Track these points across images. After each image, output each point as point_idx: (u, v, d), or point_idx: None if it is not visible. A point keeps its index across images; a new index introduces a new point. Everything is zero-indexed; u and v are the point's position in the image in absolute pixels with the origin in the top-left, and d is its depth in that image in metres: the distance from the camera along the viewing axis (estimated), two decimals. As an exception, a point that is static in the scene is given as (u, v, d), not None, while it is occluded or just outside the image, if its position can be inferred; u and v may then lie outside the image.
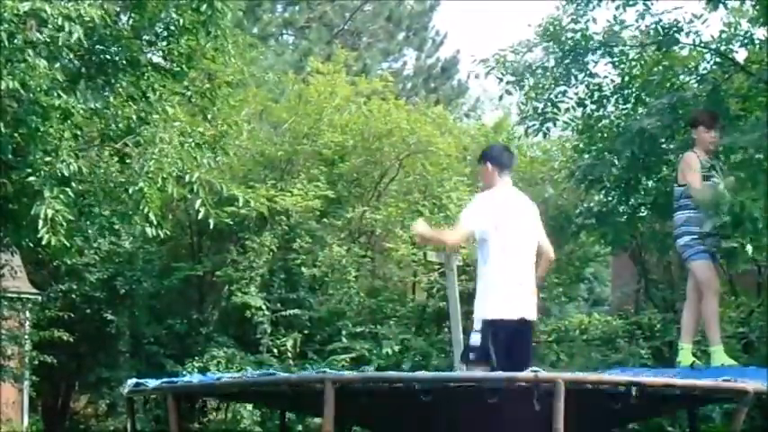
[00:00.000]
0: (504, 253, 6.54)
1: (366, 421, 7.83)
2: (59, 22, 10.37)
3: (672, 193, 8.15)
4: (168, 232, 12.64)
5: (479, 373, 6.01)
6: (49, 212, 10.21)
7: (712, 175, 7.83)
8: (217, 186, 12.70)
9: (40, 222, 10.21)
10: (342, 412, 5.74)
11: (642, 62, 12.01)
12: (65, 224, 10.34)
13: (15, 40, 10.42)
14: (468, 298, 16.22)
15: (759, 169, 7.70)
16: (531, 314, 6.66)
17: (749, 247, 7.51)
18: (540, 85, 12.35)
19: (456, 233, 6.79)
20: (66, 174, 10.61)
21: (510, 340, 6.49)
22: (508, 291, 6.51)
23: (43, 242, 10.35)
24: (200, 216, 12.14)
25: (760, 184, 7.49)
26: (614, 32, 11.84)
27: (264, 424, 15.33)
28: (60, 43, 10.45)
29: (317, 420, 14.05)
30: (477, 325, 6.56)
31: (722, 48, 11.49)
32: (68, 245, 10.75)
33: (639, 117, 11.14)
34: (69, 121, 10.77)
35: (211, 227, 12.80)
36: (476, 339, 6.55)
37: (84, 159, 11.40)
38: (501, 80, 12.40)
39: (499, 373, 6.09)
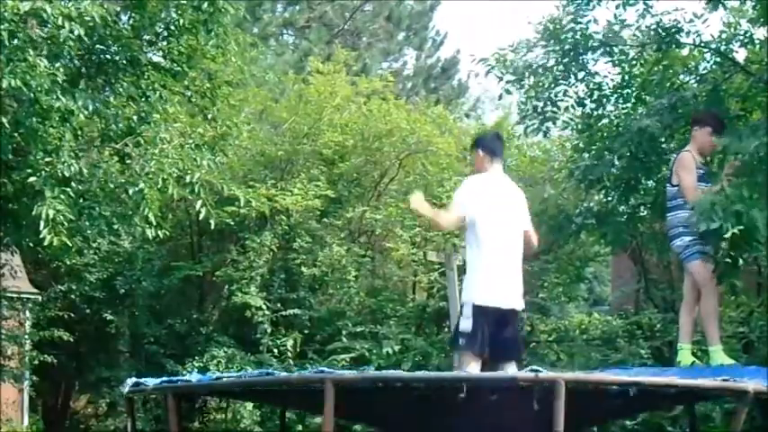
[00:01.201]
0: (493, 238, 6.58)
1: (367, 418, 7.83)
2: (60, 22, 10.38)
3: (665, 193, 8.13)
4: (168, 232, 12.63)
5: (480, 373, 6.00)
6: (51, 213, 10.21)
7: (705, 174, 7.84)
8: (217, 186, 12.70)
9: (42, 223, 10.21)
10: (343, 411, 5.74)
11: (642, 62, 12.01)
12: (66, 224, 10.34)
13: (16, 40, 10.42)
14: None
15: (759, 176, 7.67)
16: (519, 304, 6.71)
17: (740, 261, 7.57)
18: (540, 85, 12.33)
19: (450, 217, 6.81)
20: (67, 174, 10.60)
21: (496, 328, 6.53)
22: (496, 277, 6.55)
23: (45, 242, 10.35)
24: (200, 216, 12.14)
25: (761, 192, 7.47)
26: (614, 32, 11.83)
27: (264, 424, 15.33)
28: (62, 40, 10.45)
29: (317, 420, 14.12)
30: (467, 310, 6.57)
31: (722, 48, 11.48)
32: (69, 244, 10.76)
33: (639, 117, 11.12)
34: (69, 123, 10.76)
35: (212, 227, 12.80)
36: (465, 325, 6.55)
37: (85, 160, 11.40)
38: (501, 79, 12.38)
39: (500, 374, 6.09)
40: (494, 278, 6.56)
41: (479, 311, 6.51)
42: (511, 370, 6.54)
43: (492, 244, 6.59)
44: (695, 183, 7.70)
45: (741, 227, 7.08)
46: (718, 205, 7.12)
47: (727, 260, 7.60)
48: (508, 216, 6.70)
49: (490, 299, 6.53)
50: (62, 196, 10.42)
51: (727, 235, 7.15)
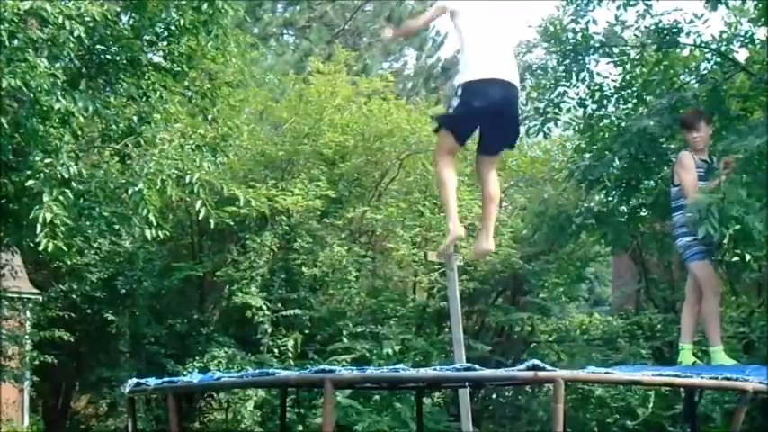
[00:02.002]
0: (479, 22, 6.40)
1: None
2: (60, 21, 10.37)
3: (669, 194, 8.17)
4: (168, 233, 12.63)
5: (479, 371, 5.98)
6: (48, 216, 10.17)
7: (706, 177, 7.86)
8: (217, 186, 12.69)
9: (39, 227, 10.17)
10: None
11: (643, 62, 12.01)
12: (63, 228, 10.31)
13: (16, 40, 10.42)
14: (468, 297, 16.31)
15: (759, 173, 7.69)
16: (516, 79, 6.44)
17: (748, 257, 7.54)
18: (541, 86, 12.34)
19: (424, 15, 6.71)
20: (66, 176, 10.59)
21: (492, 112, 6.32)
22: (489, 52, 6.33)
23: (41, 247, 10.32)
24: (200, 216, 12.14)
25: (760, 191, 7.48)
26: (615, 33, 11.83)
27: (265, 424, 15.33)
28: (62, 41, 10.45)
29: (318, 420, 14.10)
30: (459, 91, 6.39)
31: (723, 48, 11.48)
32: (66, 248, 10.74)
33: (640, 117, 11.13)
34: (69, 125, 10.75)
35: (212, 227, 12.79)
36: (453, 104, 6.42)
37: (85, 160, 11.39)
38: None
39: (500, 371, 6.07)
40: (486, 53, 6.31)
41: (469, 91, 6.29)
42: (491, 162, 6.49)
43: (479, 28, 6.36)
44: (695, 182, 7.72)
45: (738, 227, 7.09)
46: (714, 206, 7.12)
47: (736, 258, 7.61)
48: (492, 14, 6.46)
49: (483, 72, 6.28)
50: (61, 198, 10.39)
51: (725, 240, 7.17)
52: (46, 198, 10.24)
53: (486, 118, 6.38)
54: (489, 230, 6.57)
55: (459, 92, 6.37)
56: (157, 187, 11.16)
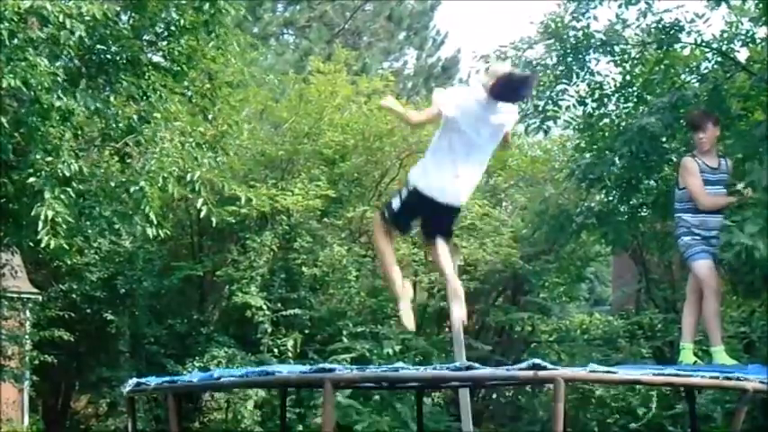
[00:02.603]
0: (457, 143, 6.34)
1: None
2: (60, 20, 10.36)
3: (673, 195, 8.19)
4: (169, 232, 12.62)
5: (479, 371, 5.96)
6: (50, 214, 10.18)
7: (716, 178, 7.86)
8: (218, 185, 12.67)
9: (40, 224, 10.18)
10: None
11: (643, 61, 12.00)
12: (64, 226, 10.31)
13: (16, 39, 10.41)
14: (468, 297, 16.29)
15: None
16: (458, 200, 6.50)
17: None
18: (541, 83, 12.32)
19: (422, 113, 6.66)
20: (67, 174, 10.59)
21: (430, 214, 6.48)
22: (446, 173, 6.34)
23: (42, 244, 10.32)
24: (202, 215, 12.12)
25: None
26: (616, 31, 11.82)
27: (265, 424, 15.32)
28: (62, 41, 10.44)
29: (318, 420, 14.09)
30: (404, 191, 6.51)
31: (723, 47, 11.47)
32: (68, 246, 10.73)
33: (640, 116, 11.11)
34: (69, 122, 10.75)
35: (214, 225, 12.78)
36: (395, 203, 6.53)
37: (85, 159, 11.38)
38: (502, 78, 12.34)
39: (499, 370, 6.06)
40: (443, 173, 6.33)
41: (416, 195, 6.39)
42: (441, 245, 6.53)
43: (455, 148, 6.32)
44: (701, 185, 7.77)
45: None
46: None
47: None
48: (481, 131, 6.39)
49: (432, 192, 6.33)
50: (62, 196, 10.39)
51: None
52: (47, 195, 10.24)
53: (425, 214, 6.57)
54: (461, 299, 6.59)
55: (410, 188, 6.47)
56: (159, 185, 11.16)
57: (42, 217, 10.15)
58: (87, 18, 10.63)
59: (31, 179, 10.46)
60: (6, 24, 10.23)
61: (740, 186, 7.98)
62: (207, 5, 11.57)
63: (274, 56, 27.33)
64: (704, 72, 11.53)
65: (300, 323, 16.00)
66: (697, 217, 7.81)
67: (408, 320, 6.49)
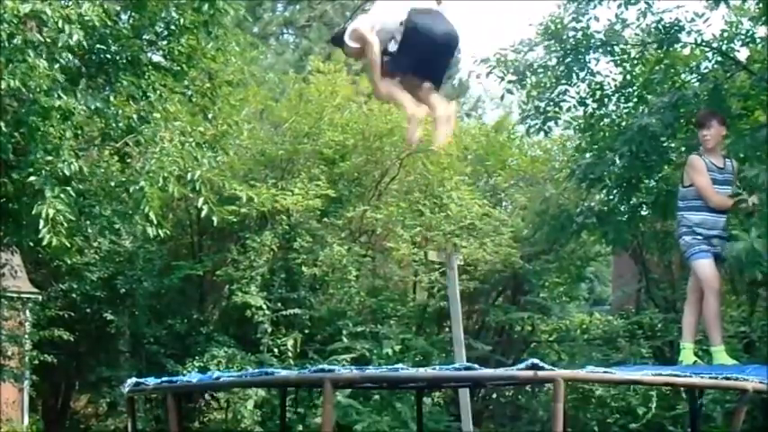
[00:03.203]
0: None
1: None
2: (59, 24, 10.36)
3: (676, 193, 8.17)
4: (168, 232, 12.62)
5: (479, 371, 5.95)
6: (50, 212, 10.19)
7: (723, 178, 7.86)
8: (218, 184, 12.67)
9: (41, 222, 10.19)
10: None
11: (643, 61, 12.00)
12: (65, 224, 10.32)
13: (15, 41, 10.41)
14: (468, 297, 16.31)
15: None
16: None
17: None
18: (542, 84, 12.33)
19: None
20: (68, 173, 10.59)
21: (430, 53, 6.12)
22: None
23: (44, 242, 10.33)
24: (202, 214, 12.11)
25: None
26: (616, 31, 11.83)
27: (265, 424, 15.31)
28: (60, 45, 10.44)
29: (317, 420, 14.08)
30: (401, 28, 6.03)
31: (723, 47, 11.48)
32: (69, 245, 10.73)
33: (641, 116, 11.12)
34: (70, 122, 10.75)
35: (215, 224, 12.78)
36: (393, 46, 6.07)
37: (85, 159, 11.38)
38: (502, 79, 12.38)
39: (499, 370, 6.05)
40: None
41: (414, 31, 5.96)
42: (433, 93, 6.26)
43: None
44: (709, 184, 7.76)
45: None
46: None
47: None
48: None
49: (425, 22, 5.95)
50: (62, 195, 10.40)
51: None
52: (48, 194, 10.25)
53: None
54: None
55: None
56: (159, 185, 11.15)
57: (44, 215, 10.16)
58: (87, 18, 10.62)
59: (32, 178, 10.47)
60: (6, 26, 10.22)
61: (746, 195, 7.97)
62: (206, 6, 11.56)
63: (274, 55, 27.34)
64: (704, 72, 11.54)
65: (300, 323, 16.00)
66: (699, 215, 7.79)
67: (412, 134, 6.22)
